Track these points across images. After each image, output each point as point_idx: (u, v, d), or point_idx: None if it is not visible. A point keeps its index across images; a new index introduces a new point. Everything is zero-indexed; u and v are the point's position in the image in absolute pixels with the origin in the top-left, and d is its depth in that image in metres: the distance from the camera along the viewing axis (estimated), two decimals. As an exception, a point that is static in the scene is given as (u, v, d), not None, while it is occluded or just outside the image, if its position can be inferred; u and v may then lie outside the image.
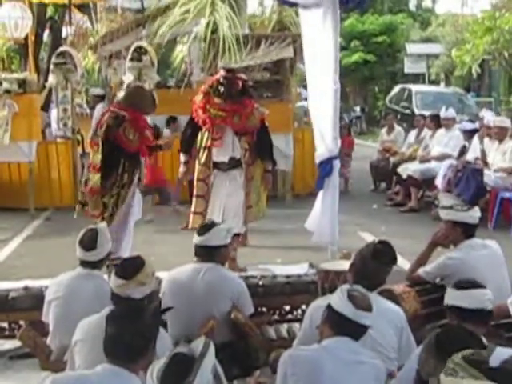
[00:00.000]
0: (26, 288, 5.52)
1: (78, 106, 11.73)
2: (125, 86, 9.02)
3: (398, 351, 3.86)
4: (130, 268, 3.85)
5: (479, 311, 3.58)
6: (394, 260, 4.20)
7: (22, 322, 5.36)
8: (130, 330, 3.03)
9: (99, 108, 11.70)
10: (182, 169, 7.29)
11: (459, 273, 4.69)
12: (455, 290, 3.74)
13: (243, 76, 7.16)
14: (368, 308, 3.38)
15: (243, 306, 4.83)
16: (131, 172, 6.47)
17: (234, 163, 6.97)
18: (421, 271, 5.10)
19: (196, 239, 4.87)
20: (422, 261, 5.24)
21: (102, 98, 13.02)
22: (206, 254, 4.84)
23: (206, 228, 4.94)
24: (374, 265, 4.08)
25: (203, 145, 7.01)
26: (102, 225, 5.16)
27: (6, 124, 10.51)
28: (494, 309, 4.26)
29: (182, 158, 7.28)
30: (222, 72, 7.03)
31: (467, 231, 5.05)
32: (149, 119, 9.96)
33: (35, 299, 5.22)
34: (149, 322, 3.11)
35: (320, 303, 3.84)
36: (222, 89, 6.88)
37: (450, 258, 4.98)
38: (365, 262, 4.13)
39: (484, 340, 2.65)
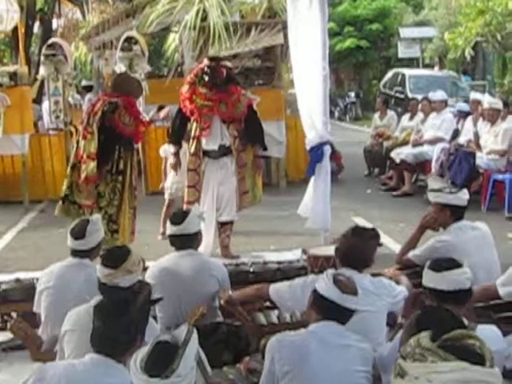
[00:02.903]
0: (17, 280, 5.55)
1: (72, 98, 11.69)
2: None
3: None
4: (117, 257, 3.86)
5: (457, 292, 3.57)
6: (375, 236, 4.26)
7: (14, 314, 5.37)
8: (115, 325, 3.01)
9: (87, 99, 11.67)
10: (172, 160, 7.29)
11: (449, 255, 4.70)
12: (432, 272, 3.71)
13: (228, 63, 7.15)
14: (354, 292, 3.39)
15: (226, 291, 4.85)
16: (126, 158, 6.47)
17: (224, 150, 6.97)
18: (410, 255, 5.11)
19: (172, 229, 4.90)
20: (411, 244, 5.26)
21: (89, 88, 12.97)
22: (183, 241, 4.87)
23: (180, 217, 4.95)
24: (356, 242, 4.14)
25: (192, 135, 7.01)
26: (96, 216, 5.17)
27: (-2, 117, 10.47)
28: (481, 290, 4.31)
29: (172, 149, 7.29)
30: (205, 61, 7.02)
31: (456, 213, 5.06)
32: (141, 109, 9.98)
33: (27, 291, 5.24)
34: (135, 316, 3.07)
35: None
36: (206, 78, 6.88)
37: (439, 240, 4.99)
38: (347, 241, 4.20)
39: (465, 320, 2.66)
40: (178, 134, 7.22)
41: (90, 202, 6.40)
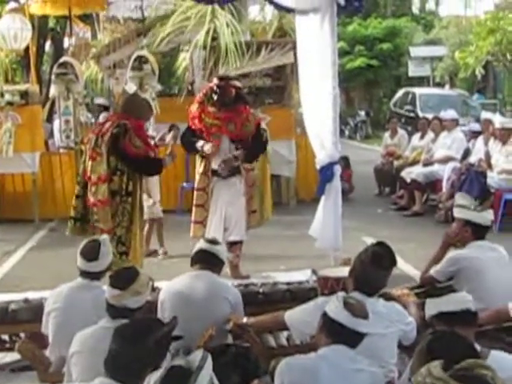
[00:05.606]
0: (26, 300, 5.51)
1: (83, 116, 11.71)
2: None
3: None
4: (125, 278, 3.82)
5: (464, 312, 3.51)
6: (393, 262, 4.11)
7: (22, 335, 5.34)
8: (129, 351, 2.97)
9: (101, 118, 11.67)
10: (207, 149, 6.88)
11: (468, 267, 4.79)
12: (435, 299, 3.67)
13: (237, 83, 7.10)
14: (364, 315, 3.34)
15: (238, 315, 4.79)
16: (135, 179, 6.41)
17: (232, 170, 6.95)
18: (432, 271, 5.08)
19: (206, 246, 4.82)
20: (434, 261, 5.21)
21: (105, 108, 12.99)
22: (210, 262, 4.79)
23: (217, 241, 5.02)
24: (373, 270, 4.00)
25: (201, 154, 6.98)
26: (104, 236, 5.12)
27: (9, 136, 10.52)
28: (494, 312, 4.27)
29: (202, 147, 6.91)
30: (215, 80, 7.03)
31: (477, 232, 5.04)
32: (151, 129, 9.97)
33: (35, 311, 5.18)
34: (151, 347, 3.01)
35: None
36: (215, 97, 6.87)
37: (459, 253, 5.01)
38: (364, 267, 4.05)
39: (477, 346, 2.62)
40: (191, 144, 7.05)
41: (106, 227, 6.27)
